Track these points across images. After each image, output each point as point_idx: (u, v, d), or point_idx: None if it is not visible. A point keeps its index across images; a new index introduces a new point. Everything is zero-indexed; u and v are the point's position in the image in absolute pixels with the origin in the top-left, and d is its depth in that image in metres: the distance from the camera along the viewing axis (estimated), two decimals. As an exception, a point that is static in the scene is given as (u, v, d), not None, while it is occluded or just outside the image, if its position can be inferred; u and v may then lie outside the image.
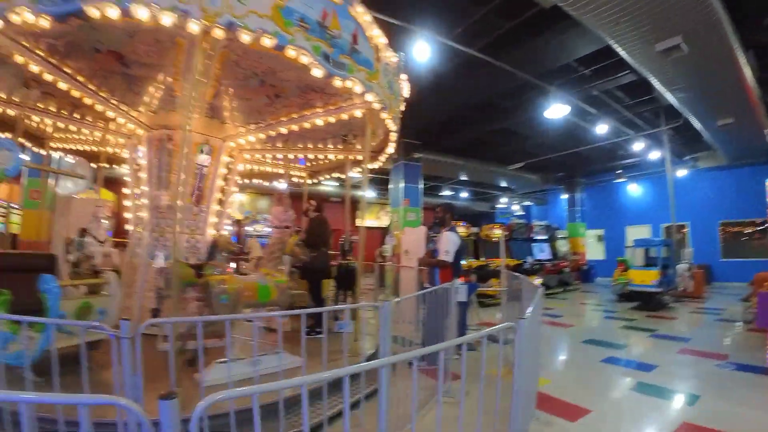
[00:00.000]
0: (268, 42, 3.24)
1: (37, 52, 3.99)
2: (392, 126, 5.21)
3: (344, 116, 5.10)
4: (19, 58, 3.95)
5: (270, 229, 9.35)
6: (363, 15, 3.96)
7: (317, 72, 3.63)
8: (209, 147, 5.61)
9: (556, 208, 21.85)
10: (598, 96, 10.24)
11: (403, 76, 5.22)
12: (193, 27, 3.00)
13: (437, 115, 11.87)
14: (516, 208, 26.08)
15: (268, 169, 8.04)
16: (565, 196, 19.50)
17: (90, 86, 4.69)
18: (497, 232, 12.38)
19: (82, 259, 4.64)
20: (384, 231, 16.40)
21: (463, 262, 6.34)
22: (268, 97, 4.96)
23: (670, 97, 8.93)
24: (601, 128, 11.02)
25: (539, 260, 13.31)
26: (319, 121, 5.27)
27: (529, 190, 21.28)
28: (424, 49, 6.92)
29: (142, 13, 2.89)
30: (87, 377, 2.38)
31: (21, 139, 6.07)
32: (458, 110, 11.29)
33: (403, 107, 5.59)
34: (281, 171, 8.07)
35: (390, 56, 4.60)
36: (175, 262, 3.55)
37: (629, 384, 4.49)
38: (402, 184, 13.22)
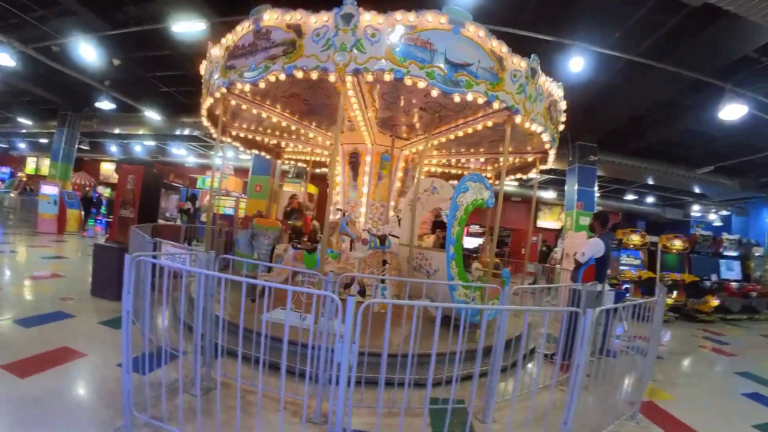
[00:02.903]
0: (387, 77, 4.25)
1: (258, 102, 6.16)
2: (536, 128, 5.38)
3: (489, 123, 5.70)
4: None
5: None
6: (477, 32, 4.39)
7: (435, 93, 4.45)
8: (389, 155, 7.11)
9: (759, 221, 18.28)
10: None
11: (546, 79, 5.40)
12: (331, 78, 4.36)
13: (615, 119, 11.71)
14: (713, 217, 22.61)
15: (454, 171, 9.29)
16: (768, 207, 16.31)
17: (295, 118, 6.73)
18: (677, 244, 11.48)
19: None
20: (557, 233, 16.54)
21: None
22: (418, 113, 5.89)
23: None
24: None
25: (723, 280, 11.75)
26: (469, 130, 6.05)
27: (726, 198, 18.35)
28: (578, 61, 7.43)
29: (298, 74, 4.36)
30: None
31: (262, 153, 8.94)
32: (636, 112, 10.96)
33: (563, 106, 6.04)
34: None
35: (518, 62, 4.78)
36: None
37: (756, 420, 4.36)
38: (576, 187, 13.20)
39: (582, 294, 4.81)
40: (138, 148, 23.12)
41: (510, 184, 17.56)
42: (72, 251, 11.06)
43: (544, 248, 14.28)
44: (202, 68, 6.17)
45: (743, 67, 8.26)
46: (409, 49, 4.24)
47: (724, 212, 21.14)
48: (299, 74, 4.38)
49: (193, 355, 3.40)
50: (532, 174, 7.95)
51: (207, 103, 5.94)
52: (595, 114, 11.65)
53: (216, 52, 5.42)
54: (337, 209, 6.83)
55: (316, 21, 4.29)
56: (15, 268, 7.97)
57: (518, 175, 8.68)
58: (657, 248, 10.72)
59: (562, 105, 6.08)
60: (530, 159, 7.45)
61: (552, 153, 6.59)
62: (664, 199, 21.87)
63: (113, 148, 23.72)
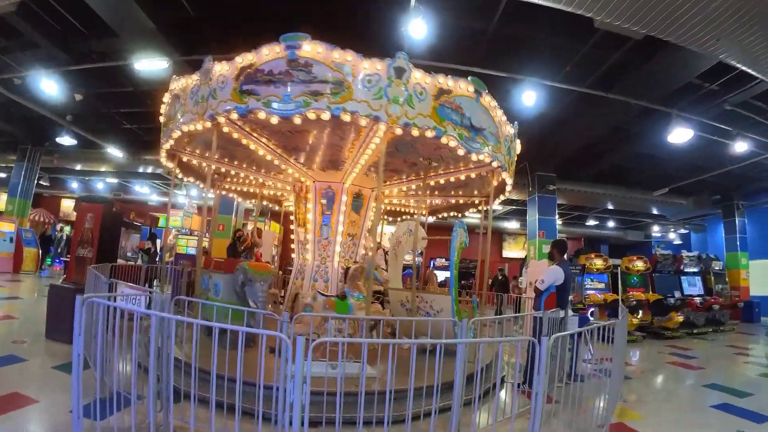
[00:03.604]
0: (429, 134, 4.58)
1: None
2: (509, 180, 6.31)
3: (472, 175, 6.47)
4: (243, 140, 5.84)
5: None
6: (491, 102, 5.12)
7: (461, 152, 4.94)
8: (360, 194, 7.18)
9: (716, 236, 19.26)
10: (733, 110, 9.41)
11: (512, 127, 6.06)
12: (381, 128, 4.52)
13: (568, 148, 12.29)
14: (672, 236, 23.64)
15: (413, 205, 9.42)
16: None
17: (278, 152, 6.36)
18: (639, 265, 11.86)
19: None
20: (521, 263, 16.91)
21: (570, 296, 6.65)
22: (414, 162, 6.34)
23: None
24: (741, 146, 10.00)
25: (686, 296, 12.19)
26: (451, 178, 6.68)
27: (683, 217, 19.30)
28: (531, 95, 7.91)
29: (345, 117, 4.27)
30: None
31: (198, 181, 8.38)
32: (588, 141, 11.56)
33: (518, 145, 6.49)
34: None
35: (509, 129, 5.70)
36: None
37: (726, 430, 4.44)
38: (537, 216, 13.63)
39: (543, 321, 4.90)
40: (100, 185, 22.51)
41: (473, 217, 17.93)
42: (27, 291, 10.57)
43: (501, 277, 14.53)
44: (163, 107, 6.05)
45: (687, 93, 8.86)
46: (446, 111, 4.67)
47: (683, 230, 22.14)
48: (347, 117, 4.29)
49: (149, 400, 3.25)
50: (494, 205, 8.29)
51: (175, 134, 5.51)
52: (551, 144, 12.22)
53: (223, 69, 4.73)
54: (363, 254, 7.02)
55: (368, 67, 4.32)
56: (-35, 310, 7.51)
57: (477, 208, 8.84)
58: (618, 271, 11.04)
59: (517, 143, 6.42)
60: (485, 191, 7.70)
61: (508, 187, 6.89)
62: (624, 222, 22.77)
63: (74, 185, 22.96)
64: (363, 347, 2.90)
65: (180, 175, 7.52)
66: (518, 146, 6.41)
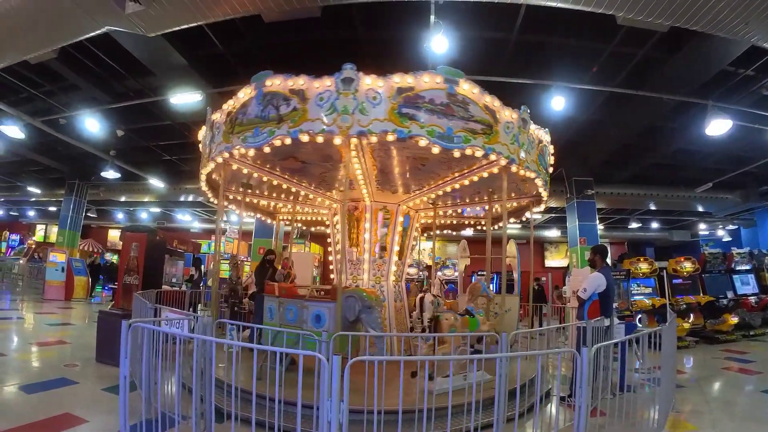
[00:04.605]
0: (390, 137, 4.38)
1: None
2: (530, 174, 5.57)
3: (485, 174, 5.78)
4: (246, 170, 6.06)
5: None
6: (471, 89, 4.61)
7: (435, 150, 4.55)
8: (387, 210, 7.23)
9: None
10: None
11: (535, 127, 5.60)
12: (336, 140, 4.47)
13: (604, 150, 12.06)
14: (721, 233, 22.41)
15: (453, 221, 9.50)
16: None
17: (294, 179, 6.65)
18: (687, 266, 11.29)
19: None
20: (564, 271, 16.45)
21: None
22: (417, 168, 5.95)
23: None
24: None
25: (740, 295, 11.45)
26: (465, 181, 6.12)
27: (730, 212, 18.24)
28: (560, 100, 7.71)
29: (304, 137, 4.41)
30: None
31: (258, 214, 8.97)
32: (623, 141, 11.29)
33: (551, 149, 6.24)
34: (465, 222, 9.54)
35: (509, 114, 4.94)
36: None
37: None
38: (577, 223, 13.31)
39: (587, 330, 4.73)
40: (144, 215, 23.59)
41: (513, 227, 17.65)
42: (78, 318, 11.08)
43: (536, 287, 14.13)
44: (200, 134, 6.35)
45: (721, 82, 8.48)
46: (409, 109, 4.41)
47: (732, 226, 20.96)
48: (305, 138, 4.45)
49: (192, 420, 3.35)
50: (534, 214, 7.99)
51: (207, 168, 5.95)
52: (586, 148, 11.96)
53: (217, 117, 5.45)
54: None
55: (318, 86, 4.46)
56: (21, 335, 8.08)
57: (519, 218, 8.62)
58: (664, 274, 10.54)
59: (550, 149, 6.23)
60: (524, 203, 7.53)
61: (545, 194, 6.51)
62: (669, 222, 21.80)
63: (120, 216, 24.23)
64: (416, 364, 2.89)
65: (221, 203, 7.77)
66: (551, 149, 6.19)
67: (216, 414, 3.52)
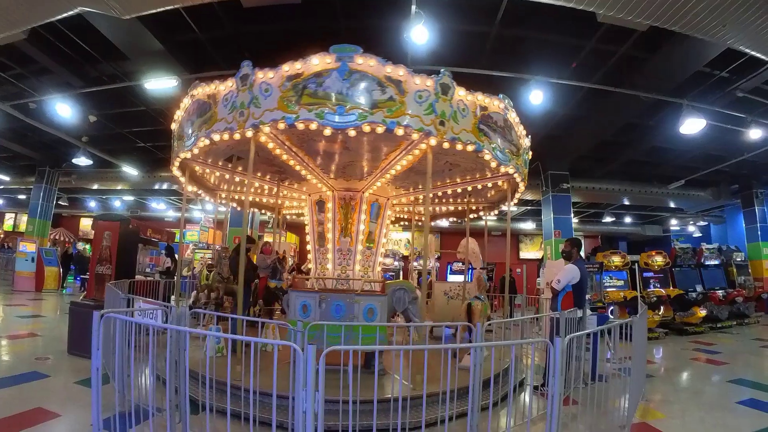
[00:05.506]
0: (470, 147, 4.79)
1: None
2: (521, 186, 6.45)
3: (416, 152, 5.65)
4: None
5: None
6: (368, 62, 4.38)
7: (493, 163, 5.22)
8: (378, 203, 7.24)
9: (736, 227, 18.77)
10: (745, 97, 9.11)
11: (468, 93, 5.04)
12: (432, 141, 4.62)
13: (581, 145, 12.21)
14: (692, 229, 23.18)
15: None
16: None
17: (300, 156, 5.90)
18: (658, 260, 11.63)
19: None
20: (539, 263, 16.77)
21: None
22: (348, 152, 5.70)
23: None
24: (756, 133, 9.68)
25: (708, 289, 11.89)
26: (403, 162, 5.96)
27: (702, 209, 18.88)
28: (538, 94, 7.83)
29: (398, 131, 4.36)
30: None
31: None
32: (600, 137, 11.46)
33: (514, 117, 5.96)
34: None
35: (422, 82, 4.60)
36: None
37: (754, 427, 4.31)
38: (552, 216, 13.53)
39: (560, 321, 4.82)
40: (117, 203, 22.99)
41: (489, 219, 17.78)
42: (49, 309, 10.76)
43: (510, 278, 14.26)
44: (174, 124, 6.14)
45: (697, 83, 8.71)
46: (299, 95, 4.30)
47: (702, 223, 21.67)
48: (216, 137, 4.71)
49: (167, 412, 3.29)
50: (510, 206, 7.90)
51: (176, 161, 6.01)
52: (563, 142, 12.12)
53: (267, 76, 4.67)
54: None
55: (224, 88, 4.68)
56: (-10, 329, 7.71)
57: (491, 210, 8.70)
58: (636, 267, 10.84)
59: (513, 116, 5.55)
60: (501, 184, 6.96)
61: (506, 170, 5.80)
62: (642, 218, 22.40)
63: (92, 204, 23.52)
64: (376, 354, 2.89)
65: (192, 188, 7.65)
66: (512, 117, 5.75)
67: (191, 405, 3.47)
